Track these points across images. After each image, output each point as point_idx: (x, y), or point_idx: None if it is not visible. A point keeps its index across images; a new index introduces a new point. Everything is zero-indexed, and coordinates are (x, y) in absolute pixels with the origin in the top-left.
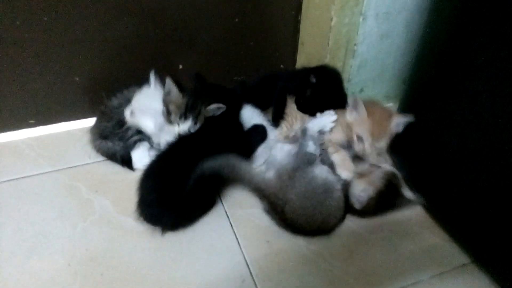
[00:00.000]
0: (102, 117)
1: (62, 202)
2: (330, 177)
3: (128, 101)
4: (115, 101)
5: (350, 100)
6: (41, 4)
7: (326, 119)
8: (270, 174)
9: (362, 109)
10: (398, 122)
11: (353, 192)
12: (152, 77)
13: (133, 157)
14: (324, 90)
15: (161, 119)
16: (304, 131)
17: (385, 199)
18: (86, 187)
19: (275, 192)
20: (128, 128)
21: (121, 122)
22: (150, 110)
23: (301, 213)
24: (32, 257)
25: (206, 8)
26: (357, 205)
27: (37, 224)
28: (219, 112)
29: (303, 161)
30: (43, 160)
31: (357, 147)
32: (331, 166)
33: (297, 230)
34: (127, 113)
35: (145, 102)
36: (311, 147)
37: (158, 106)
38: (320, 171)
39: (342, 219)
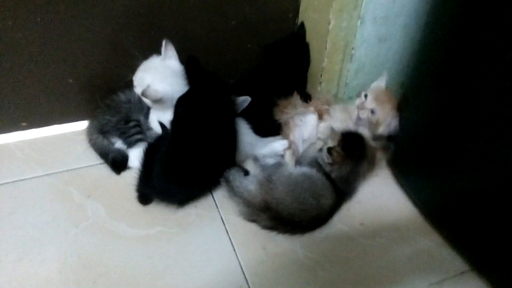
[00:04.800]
0: (107, 110)
1: (54, 207)
2: (305, 168)
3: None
4: (123, 97)
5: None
6: (34, 4)
7: (277, 146)
8: (252, 187)
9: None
10: None
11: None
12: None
13: (131, 155)
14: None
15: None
16: (255, 159)
17: (351, 148)
18: (79, 191)
19: (264, 199)
20: (133, 126)
21: (128, 118)
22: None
23: (294, 206)
24: (22, 263)
25: (203, 10)
26: (327, 160)
27: (28, 229)
28: (245, 105)
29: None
30: (35, 163)
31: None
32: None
33: (298, 225)
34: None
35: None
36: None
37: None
38: (295, 168)
39: (335, 200)
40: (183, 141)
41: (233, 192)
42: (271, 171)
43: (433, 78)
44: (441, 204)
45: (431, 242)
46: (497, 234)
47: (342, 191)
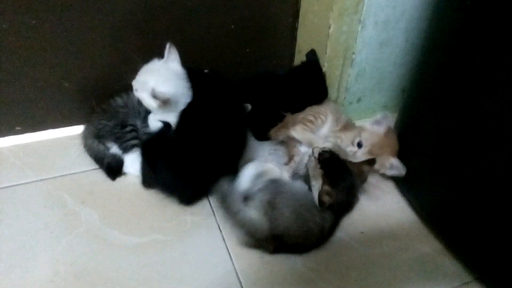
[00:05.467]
0: (103, 115)
1: (46, 213)
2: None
3: (133, 103)
4: (119, 101)
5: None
6: (29, 7)
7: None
8: (255, 215)
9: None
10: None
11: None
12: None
13: (126, 161)
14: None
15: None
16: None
17: (338, 180)
18: (73, 197)
19: (270, 229)
20: (130, 131)
21: (125, 123)
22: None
23: (299, 235)
24: (13, 272)
25: (201, 14)
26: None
27: (19, 236)
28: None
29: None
30: (28, 168)
31: (350, 148)
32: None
33: (302, 248)
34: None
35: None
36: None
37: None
38: (300, 184)
39: (334, 220)
40: (191, 138)
41: (235, 222)
42: (274, 192)
43: (435, 83)
44: (443, 211)
45: (433, 250)
46: (500, 243)
47: (342, 210)
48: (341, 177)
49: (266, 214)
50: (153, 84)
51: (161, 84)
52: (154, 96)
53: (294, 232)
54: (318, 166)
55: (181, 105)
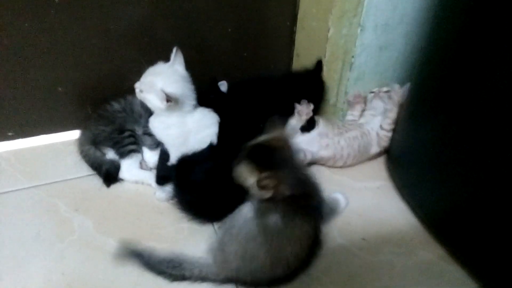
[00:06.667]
0: (100, 120)
1: (39, 220)
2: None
3: (131, 108)
4: (116, 106)
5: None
6: (22, 9)
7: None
8: (210, 261)
9: None
10: None
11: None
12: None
13: (122, 166)
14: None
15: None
16: None
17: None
18: (66, 204)
19: (224, 274)
20: (128, 136)
21: (122, 128)
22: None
23: (269, 262)
24: (3, 281)
25: (197, 17)
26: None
27: (10, 244)
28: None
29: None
30: (20, 175)
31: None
32: None
33: (287, 276)
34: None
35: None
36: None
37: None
38: (246, 208)
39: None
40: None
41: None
42: (223, 232)
43: (436, 87)
44: (446, 217)
45: (436, 257)
46: (506, 249)
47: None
48: (268, 157)
49: (215, 258)
50: (161, 85)
51: (169, 85)
52: (166, 95)
53: (246, 272)
54: (247, 161)
55: (186, 107)
